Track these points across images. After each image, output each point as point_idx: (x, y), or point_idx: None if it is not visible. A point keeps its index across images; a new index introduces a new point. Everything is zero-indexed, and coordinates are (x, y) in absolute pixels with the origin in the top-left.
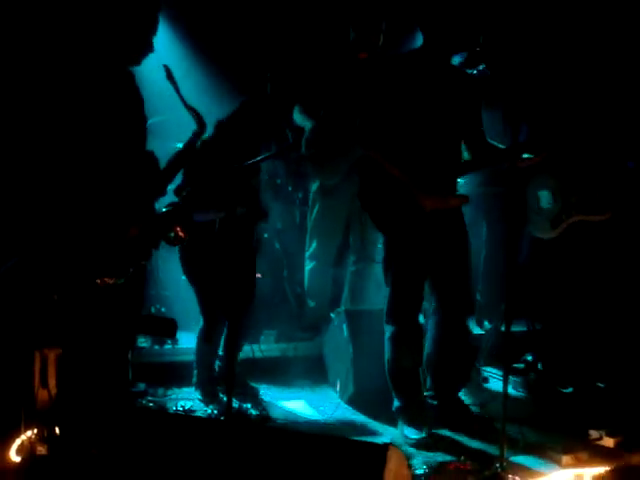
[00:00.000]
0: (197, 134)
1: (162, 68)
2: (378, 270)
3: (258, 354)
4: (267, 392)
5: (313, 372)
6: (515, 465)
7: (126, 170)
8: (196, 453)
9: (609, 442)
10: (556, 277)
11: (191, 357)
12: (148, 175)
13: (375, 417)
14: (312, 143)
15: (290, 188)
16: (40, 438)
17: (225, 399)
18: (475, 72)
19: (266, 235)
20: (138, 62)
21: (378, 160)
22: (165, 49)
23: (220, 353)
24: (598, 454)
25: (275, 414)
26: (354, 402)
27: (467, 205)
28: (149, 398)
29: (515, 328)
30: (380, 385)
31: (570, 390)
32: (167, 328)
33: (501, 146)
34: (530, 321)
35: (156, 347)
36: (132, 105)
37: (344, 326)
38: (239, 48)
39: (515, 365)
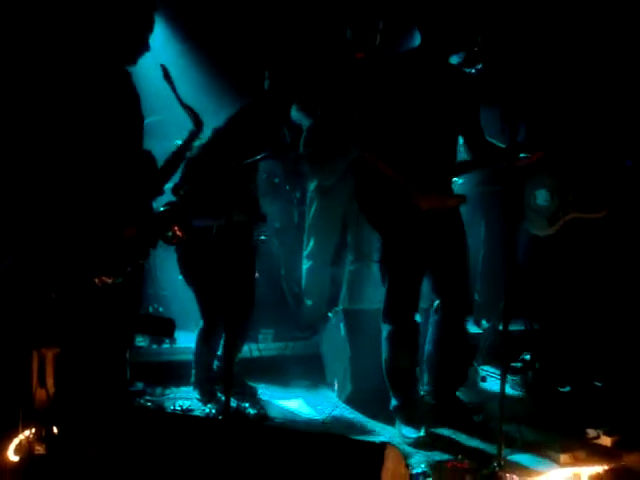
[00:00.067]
0: (194, 133)
1: (159, 68)
2: (376, 269)
3: (256, 353)
4: (265, 391)
5: (311, 371)
6: (513, 464)
7: (123, 169)
8: (194, 452)
9: (607, 441)
10: (553, 275)
11: (189, 356)
12: (145, 174)
13: (373, 416)
14: (310, 142)
15: (288, 187)
16: (38, 437)
17: (223, 398)
18: (473, 71)
19: (263, 237)
20: (134, 61)
21: (372, 160)
22: (162, 48)
23: (219, 353)
24: (596, 453)
25: (273, 413)
26: (352, 401)
27: (465, 204)
28: (147, 397)
29: (513, 327)
30: (378, 384)
31: (568, 389)
32: (165, 327)
33: (500, 144)
34: (528, 320)
35: (154, 346)
36: (129, 104)
37: (342, 325)
38: (236, 47)
39: (513, 364)
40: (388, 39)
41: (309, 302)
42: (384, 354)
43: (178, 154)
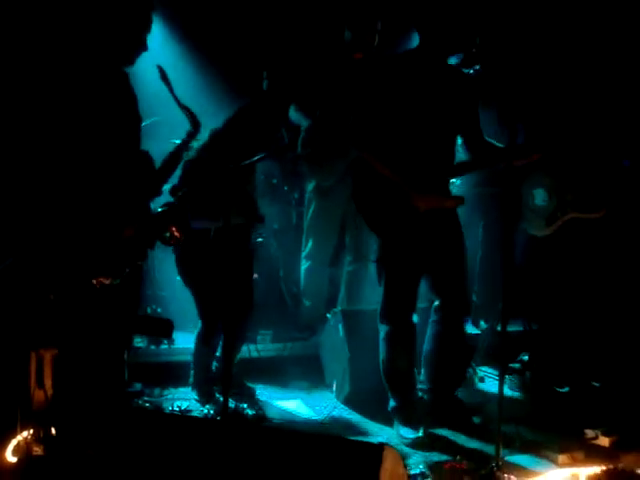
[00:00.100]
0: (191, 134)
1: (156, 69)
2: (374, 270)
3: (254, 354)
4: (263, 392)
5: (309, 372)
6: (511, 464)
7: (121, 170)
8: (192, 453)
9: (605, 441)
10: (551, 276)
11: (187, 357)
12: (143, 175)
13: (371, 417)
14: (308, 143)
15: (286, 188)
16: (36, 439)
17: (221, 399)
18: (471, 72)
19: (260, 239)
20: (132, 61)
21: (370, 161)
22: (159, 49)
23: (218, 354)
24: (594, 453)
25: (271, 414)
26: (350, 402)
27: (463, 205)
28: (145, 398)
29: (511, 328)
30: (376, 385)
31: (566, 389)
32: (163, 328)
33: (499, 144)
34: (526, 321)
35: (152, 347)
36: (126, 105)
37: (340, 326)
38: (234, 47)
39: (511, 365)
40: (386, 40)
41: (307, 303)
42: (381, 355)
43: (175, 154)
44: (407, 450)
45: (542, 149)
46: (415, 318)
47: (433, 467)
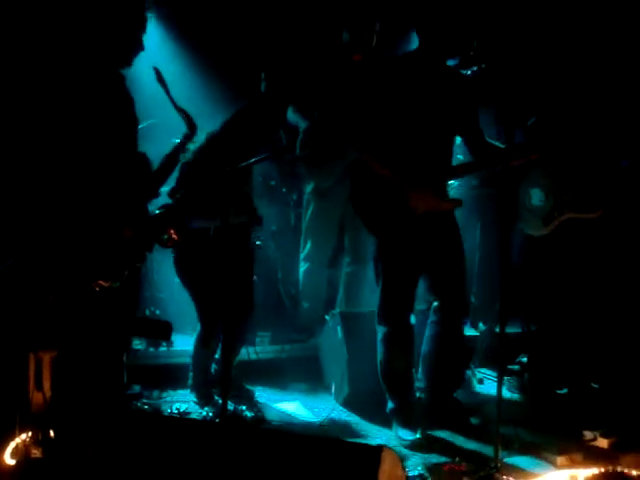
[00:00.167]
0: (187, 136)
1: (153, 71)
2: (371, 271)
3: (253, 356)
4: (262, 394)
5: (308, 374)
6: (510, 466)
7: (119, 172)
8: (191, 455)
9: (603, 443)
10: (549, 276)
11: (186, 359)
12: (140, 177)
13: (370, 419)
14: (306, 144)
15: (284, 190)
16: (35, 441)
17: (220, 401)
18: (469, 73)
19: (259, 242)
20: (129, 62)
21: (369, 162)
22: (156, 50)
23: (217, 357)
24: (592, 455)
25: (270, 416)
26: (349, 404)
27: (461, 207)
28: (144, 400)
29: (510, 329)
30: (375, 387)
31: (565, 391)
32: (162, 330)
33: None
34: (525, 322)
35: (151, 349)
36: (123, 107)
37: (339, 328)
38: (232, 48)
39: (510, 366)
40: (385, 41)
41: (306, 305)
42: (379, 356)
43: (172, 156)
44: (406, 452)
45: (540, 149)
46: (413, 319)
47: (432, 469)
